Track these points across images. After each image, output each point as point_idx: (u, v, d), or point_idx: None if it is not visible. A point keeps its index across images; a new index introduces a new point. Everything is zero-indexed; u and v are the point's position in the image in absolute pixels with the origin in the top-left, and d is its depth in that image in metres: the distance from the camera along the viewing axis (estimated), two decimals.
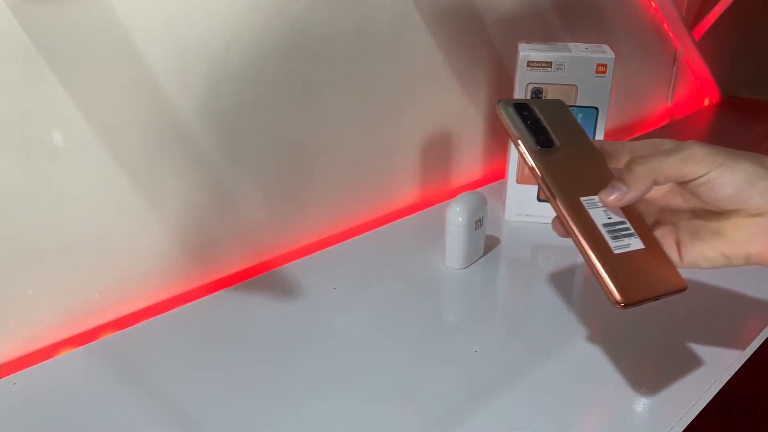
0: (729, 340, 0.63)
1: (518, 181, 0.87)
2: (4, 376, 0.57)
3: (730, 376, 0.59)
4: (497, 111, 0.50)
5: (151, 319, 0.65)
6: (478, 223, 0.75)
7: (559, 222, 0.48)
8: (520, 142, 0.48)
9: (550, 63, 0.81)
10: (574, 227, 0.46)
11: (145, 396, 0.55)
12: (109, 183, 0.62)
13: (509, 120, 0.49)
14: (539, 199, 0.87)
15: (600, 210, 0.47)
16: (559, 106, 0.52)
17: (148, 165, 0.65)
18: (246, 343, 0.62)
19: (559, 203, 0.46)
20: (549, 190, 0.47)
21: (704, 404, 0.56)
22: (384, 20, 0.82)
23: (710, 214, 0.47)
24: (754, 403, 1.23)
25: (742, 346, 0.62)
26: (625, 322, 0.66)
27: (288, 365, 0.58)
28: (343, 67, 0.80)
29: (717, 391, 0.58)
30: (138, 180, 0.64)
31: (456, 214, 0.73)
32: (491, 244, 0.82)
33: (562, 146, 0.49)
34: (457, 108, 0.98)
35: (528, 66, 0.81)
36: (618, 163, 0.50)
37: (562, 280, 0.75)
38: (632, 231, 0.47)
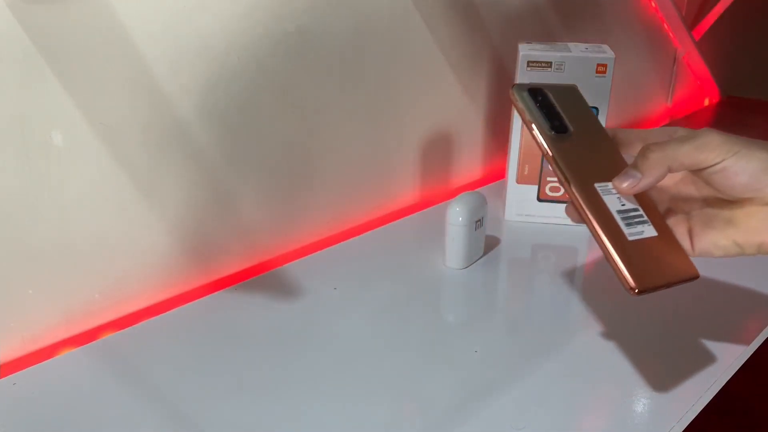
0: (729, 340, 0.63)
1: (518, 181, 0.87)
2: (4, 376, 0.57)
3: (730, 376, 0.59)
4: (511, 96, 0.50)
5: (151, 319, 0.65)
6: (478, 223, 0.75)
7: (573, 207, 0.47)
8: (534, 126, 0.48)
9: (550, 63, 0.81)
10: (588, 213, 0.46)
11: (145, 396, 0.55)
12: (109, 183, 0.62)
13: (523, 105, 0.49)
14: (539, 199, 0.88)
15: (614, 196, 0.47)
16: (572, 91, 0.52)
17: (148, 165, 0.65)
18: (246, 343, 0.62)
19: (573, 188, 0.46)
20: (563, 175, 0.47)
21: (704, 404, 0.56)
22: (384, 20, 0.82)
23: (723, 202, 0.47)
24: (754, 403, 1.23)
25: (743, 346, 0.62)
26: (625, 323, 0.66)
27: (288, 365, 0.58)
28: (343, 67, 0.80)
29: (717, 391, 0.57)
30: (138, 180, 0.64)
31: (456, 214, 0.73)
32: (491, 244, 0.82)
33: (576, 132, 0.49)
34: (457, 108, 0.98)
35: (528, 66, 0.81)
36: (631, 151, 0.50)
37: (562, 280, 0.75)
38: (645, 218, 0.47)
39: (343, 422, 0.52)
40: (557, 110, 0.50)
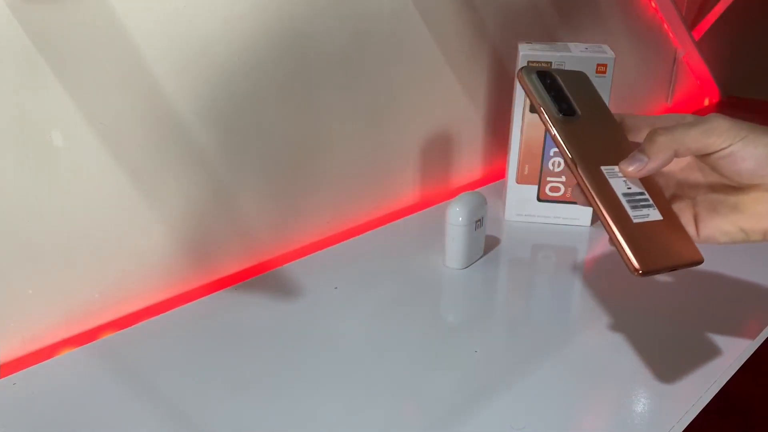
0: (729, 340, 0.63)
1: (518, 181, 0.87)
2: (4, 376, 0.57)
3: (730, 376, 0.59)
4: (519, 78, 0.50)
5: (151, 319, 0.65)
6: (478, 223, 0.75)
7: (579, 190, 0.47)
8: (542, 109, 0.49)
9: (550, 63, 0.81)
10: (594, 195, 0.46)
11: (144, 396, 0.55)
12: (109, 183, 0.62)
13: (532, 87, 0.49)
14: (539, 199, 0.87)
15: (620, 180, 0.47)
16: (580, 77, 0.53)
17: (148, 165, 0.65)
18: (246, 343, 0.62)
19: (580, 170, 0.46)
20: (570, 156, 0.47)
21: (704, 404, 0.56)
22: (384, 20, 0.82)
23: (729, 188, 0.47)
24: (753, 404, 1.23)
25: (742, 347, 0.62)
26: (625, 323, 0.66)
27: (287, 365, 0.58)
28: (343, 66, 0.80)
29: (717, 391, 0.57)
30: (138, 180, 0.64)
31: (456, 214, 0.73)
32: (491, 244, 0.82)
33: (583, 115, 0.49)
34: (457, 108, 0.98)
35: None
36: (638, 136, 0.50)
37: (562, 280, 0.75)
38: (651, 202, 0.47)
39: (343, 422, 0.52)
40: (565, 93, 0.50)
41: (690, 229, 0.47)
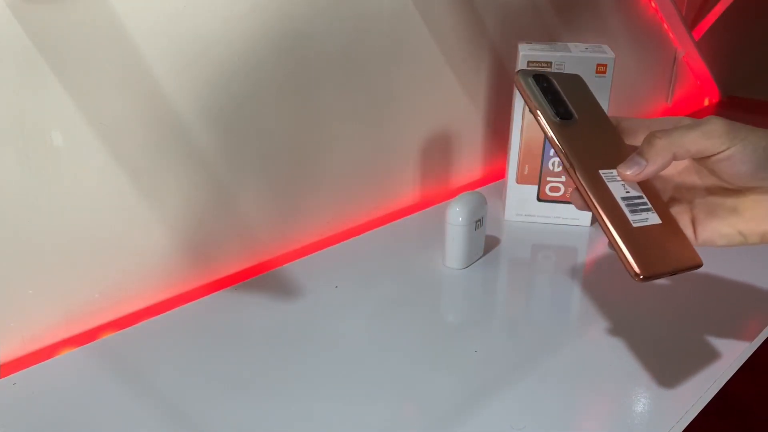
0: (729, 340, 0.63)
1: (518, 181, 0.87)
2: (4, 376, 0.57)
3: (730, 376, 0.59)
4: (516, 81, 0.50)
5: (151, 319, 0.65)
6: (478, 223, 0.75)
7: (578, 194, 0.47)
8: (539, 112, 0.48)
9: (550, 63, 0.81)
10: (593, 199, 0.46)
11: (145, 396, 0.55)
12: (109, 183, 0.62)
13: (529, 90, 0.49)
14: (539, 199, 0.88)
15: (618, 183, 0.47)
16: (577, 80, 0.52)
17: (148, 165, 0.65)
18: (246, 343, 0.62)
19: (578, 174, 0.46)
20: (568, 161, 0.47)
21: (704, 404, 0.56)
22: (384, 20, 0.82)
23: (727, 191, 0.47)
24: (753, 404, 1.23)
25: (742, 347, 0.62)
26: (625, 323, 0.66)
27: (287, 365, 0.58)
28: (343, 66, 0.80)
29: (717, 391, 0.58)
30: (138, 180, 0.64)
31: (456, 214, 0.73)
32: (491, 244, 0.82)
33: (580, 119, 0.49)
34: (457, 108, 0.98)
35: (528, 66, 0.81)
36: (635, 139, 0.50)
37: (562, 280, 0.75)
38: (649, 206, 0.47)
39: (343, 422, 0.52)
40: (562, 97, 0.50)
41: (688, 232, 0.47)
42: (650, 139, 0.45)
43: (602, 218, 0.45)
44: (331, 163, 0.82)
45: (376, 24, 0.81)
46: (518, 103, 0.84)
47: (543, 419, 0.52)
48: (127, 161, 0.63)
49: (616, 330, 0.65)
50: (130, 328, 0.64)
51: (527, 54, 0.81)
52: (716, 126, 0.44)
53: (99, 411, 0.53)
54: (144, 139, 0.64)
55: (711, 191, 0.49)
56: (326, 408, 0.53)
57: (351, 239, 0.84)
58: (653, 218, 0.46)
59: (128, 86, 0.61)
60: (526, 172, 0.86)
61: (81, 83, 0.58)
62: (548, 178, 0.86)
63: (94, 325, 0.65)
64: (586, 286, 0.74)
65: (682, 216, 0.48)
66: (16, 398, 0.54)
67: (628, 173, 0.46)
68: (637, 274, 0.43)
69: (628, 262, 0.44)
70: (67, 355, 0.60)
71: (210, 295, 0.70)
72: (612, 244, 0.45)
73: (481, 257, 0.78)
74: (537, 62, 0.81)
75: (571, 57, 0.81)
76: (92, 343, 0.62)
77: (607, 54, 0.81)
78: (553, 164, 0.86)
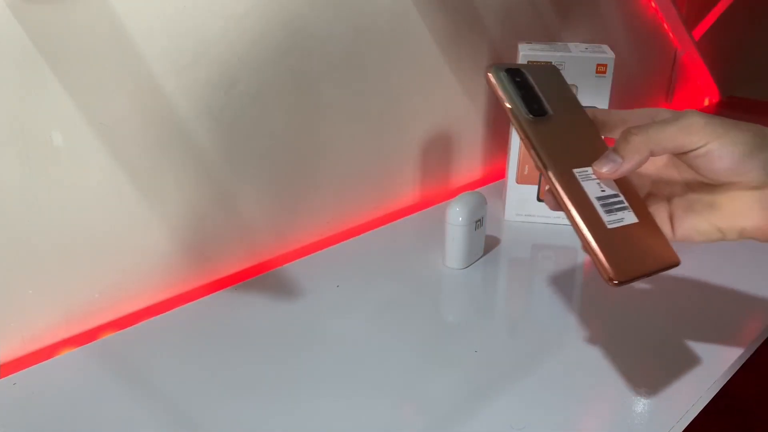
0: (729, 339, 0.63)
1: (518, 181, 0.87)
2: (4, 376, 0.57)
3: (730, 376, 0.59)
4: (488, 76, 0.47)
5: (151, 319, 0.65)
6: (478, 223, 0.75)
7: (551, 195, 0.45)
8: (511, 110, 0.46)
9: (550, 63, 0.81)
10: (566, 200, 0.44)
11: (145, 396, 0.55)
12: (109, 183, 0.62)
13: (501, 86, 0.47)
14: (539, 199, 0.87)
15: (593, 182, 0.45)
16: (552, 71, 0.50)
17: (148, 165, 0.65)
18: (246, 343, 0.62)
19: (551, 175, 0.44)
20: (541, 160, 0.45)
21: (704, 404, 0.56)
22: (384, 20, 0.82)
23: (705, 186, 0.46)
24: (753, 403, 1.23)
25: (743, 346, 0.62)
26: (625, 323, 0.66)
27: (287, 365, 0.58)
28: (343, 67, 0.80)
29: (717, 391, 0.58)
30: (138, 180, 0.64)
31: (456, 214, 0.73)
32: (491, 244, 0.82)
33: (555, 115, 0.47)
34: (457, 108, 0.98)
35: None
36: (612, 134, 0.48)
37: (562, 280, 0.75)
38: (626, 204, 0.45)
39: (343, 421, 0.52)
40: (536, 92, 0.47)
41: (665, 228, 0.46)
42: (626, 135, 0.44)
43: (575, 220, 0.43)
44: (331, 163, 0.82)
45: (376, 24, 0.82)
46: None
47: (543, 419, 0.52)
48: (127, 161, 0.63)
49: (616, 330, 0.65)
50: (130, 328, 0.64)
51: (527, 54, 0.81)
52: (694, 121, 0.43)
53: (99, 411, 0.53)
54: (144, 139, 0.64)
55: (690, 186, 0.47)
56: (326, 408, 0.53)
57: (351, 239, 0.84)
58: (629, 217, 0.45)
59: (128, 86, 0.61)
60: (526, 172, 0.86)
61: (81, 83, 0.58)
62: None
63: (94, 325, 0.65)
64: (585, 286, 0.74)
65: (659, 212, 0.47)
66: (16, 398, 0.54)
67: (603, 171, 0.44)
68: (610, 279, 0.42)
69: (601, 265, 0.42)
70: (67, 355, 0.60)
71: (210, 295, 0.70)
72: (585, 247, 0.43)
73: (481, 257, 0.78)
74: (537, 62, 0.81)
75: (571, 57, 0.81)
76: (92, 343, 0.62)
77: (607, 54, 0.81)
78: None
